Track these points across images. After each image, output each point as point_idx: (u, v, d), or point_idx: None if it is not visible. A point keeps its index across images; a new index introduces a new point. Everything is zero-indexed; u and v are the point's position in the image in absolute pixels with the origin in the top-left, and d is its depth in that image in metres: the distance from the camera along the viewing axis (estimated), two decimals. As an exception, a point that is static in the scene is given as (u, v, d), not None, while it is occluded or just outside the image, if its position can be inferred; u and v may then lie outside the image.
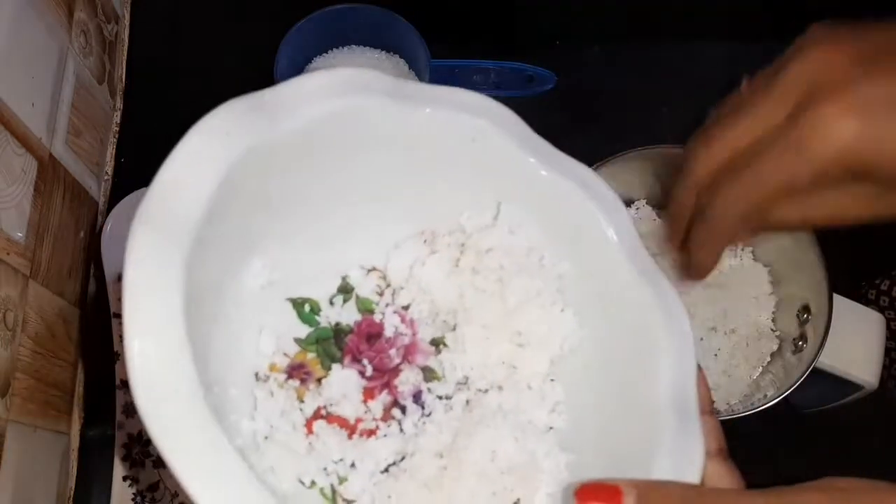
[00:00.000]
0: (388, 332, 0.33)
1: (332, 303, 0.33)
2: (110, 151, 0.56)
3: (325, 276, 0.33)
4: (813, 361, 0.42)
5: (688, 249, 0.34)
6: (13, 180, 0.42)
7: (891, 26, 0.28)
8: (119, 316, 0.49)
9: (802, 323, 0.45)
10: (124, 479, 0.46)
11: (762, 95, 0.29)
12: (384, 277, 0.34)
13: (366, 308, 0.34)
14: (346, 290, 0.34)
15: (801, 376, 0.42)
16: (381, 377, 0.32)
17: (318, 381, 0.32)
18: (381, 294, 0.34)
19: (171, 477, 0.20)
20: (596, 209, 0.31)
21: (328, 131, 0.29)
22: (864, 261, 0.52)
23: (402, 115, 0.30)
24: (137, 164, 0.56)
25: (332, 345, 0.32)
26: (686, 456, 0.27)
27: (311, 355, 0.32)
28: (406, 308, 0.34)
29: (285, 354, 0.32)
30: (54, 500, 0.45)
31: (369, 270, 0.34)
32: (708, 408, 0.30)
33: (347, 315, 0.33)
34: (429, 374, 0.33)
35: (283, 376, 0.31)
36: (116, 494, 0.45)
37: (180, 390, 0.22)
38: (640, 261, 0.31)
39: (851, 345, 0.43)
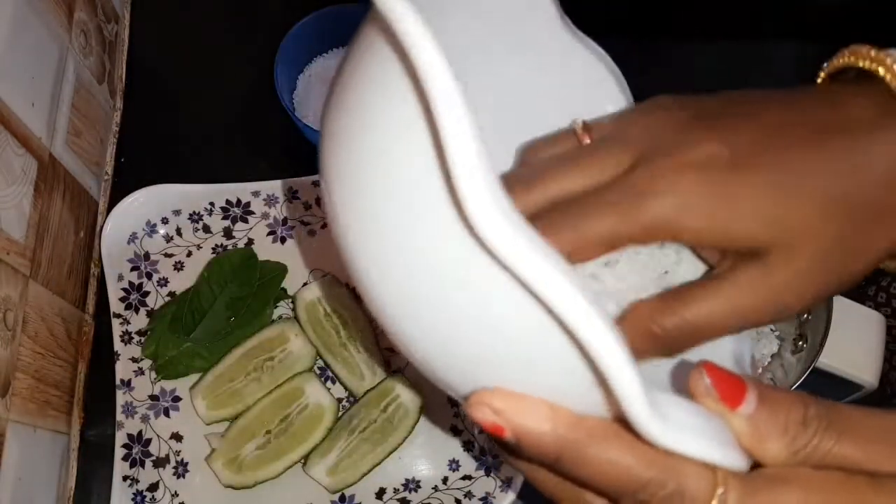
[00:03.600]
0: None
1: None
2: (110, 151, 0.56)
3: None
4: (813, 361, 0.42)
5: None
6: (13, 180, 0.42)
7: (729, 93, 0.27)
8: (119, 316, 0.49)
9: (802, 323, 0.45)
10: (124, 479, 0.46)
11: (601, 144, 0.27)
12: None
13: None
14: None
15: (801, 376, 0.42)
16: None
17: None
18: None
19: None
20: None
21: None
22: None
23: None
24: (137, 164, 0.56)
25: None
26: None
27: None
28: None
29: None
30: (54, 500, 0.45)
31: None
32: None
33: None
34: None
35: None
36: (116, 494, 0.45)
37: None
38: None
39: (851, 345, 0.43)
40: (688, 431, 0.20)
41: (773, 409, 0.23)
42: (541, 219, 0.27)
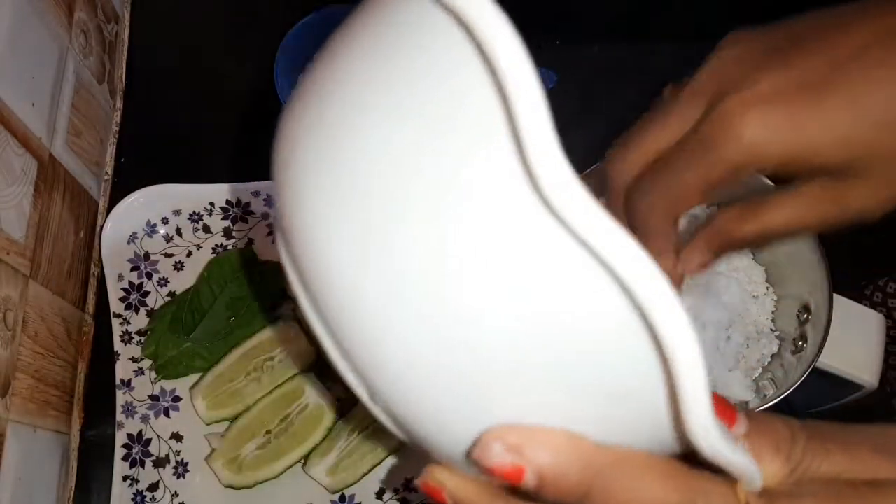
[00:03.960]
0: None
1: None
2: (110, 151, 0.56)
3: None
4: (813, 361, 0.42)
5: None
6: (13, 180, 0.42)
7: (797, 19, 0.28)
8: (119, 316, 0.49)
9: (802, 323, 0.45)
10: (124, 479, 0.46)
11: (676, 99, 0.29)
12: None
13: None
14: None
15: (801, 376, 0.42)
16: None
17: None
18: None
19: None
20: None
21: None
22: (864, 260, 0.52)
23: None
24: (137, 164, 0.56)
25: None
26: None
27: None
28: None
29: None
30: (54, 501, 0.45)
31: None
32: None
33: None
34: None
35: None
36: (116, 494, 0.45)
37: None
38: None
39: (851, 345, 0.43)
40: (729, 441, 0.19)
41: (762, 429, 0.22)
42: (635, 188, 0.29)
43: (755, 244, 0.30)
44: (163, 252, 0.51)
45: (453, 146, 0.17)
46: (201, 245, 0.52)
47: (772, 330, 0.47)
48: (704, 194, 0.28)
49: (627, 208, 0.31)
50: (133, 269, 0.51)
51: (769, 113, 0.25)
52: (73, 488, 0.47)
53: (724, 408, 0.22)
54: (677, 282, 0.32)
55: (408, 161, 0.17)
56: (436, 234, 0.17)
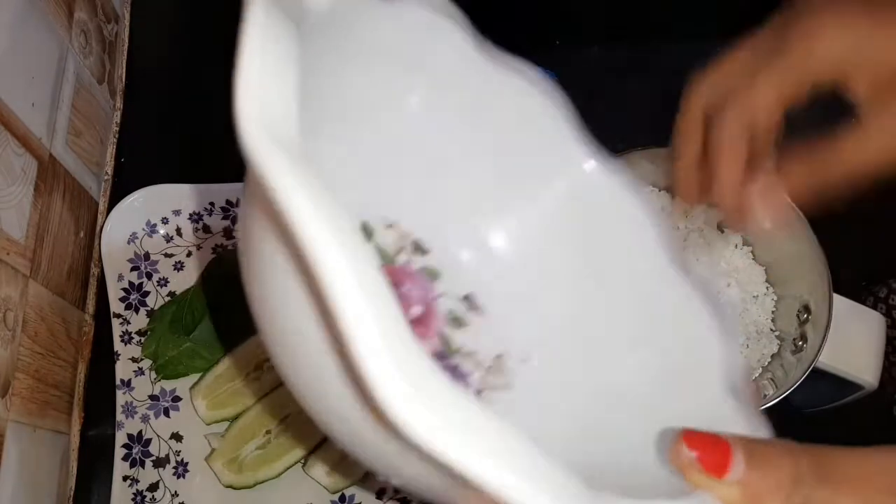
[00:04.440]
0: (405, 289, 0.33)
1: None
2: (110, 151, 0.56)
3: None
4: (813, 361, 0.42)
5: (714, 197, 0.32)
6: (13, 180, 0.42)
7: None
8: (119, 316, 0.49)
9: (802, 323, 0.45)
10: (124, 479, 0.46)
11: (770, 24, 0.30)
12: (405, 237, 0.34)
13: (385, 258, 0.33)
14: (366, 231, 0.33)
15: (801, 376, 0.42)
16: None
17: None
18: (398, 252, 0.34)
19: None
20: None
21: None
22: (864, 261, 0.52)
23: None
24: (137, 164, 0.56)
25: None
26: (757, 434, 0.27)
27: None
28: (433, 278, 0.34)
29: None
30: (54, 500, 0.45)
31: (389, 225, 0.34)
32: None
33: None
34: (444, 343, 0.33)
35: None
36: (116, 494, 0.45)
37: (288, 126, 0.19)
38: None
39: (851, 345, 0.43)
40: None
41: (763, 469, 0.22)
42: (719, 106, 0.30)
43: (828, 191, 0.30)
44: (163, 252, 0.51)
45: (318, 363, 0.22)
46: (201, 245, 0.52)
47: (772, 330, 0.47)
48: (781, 106, 0.29)
49: (707, 130, 0.31)
50: (133, 269, 0.51)
51: (841, 22, 0.27)
52: (73, 488, 0.47)
53: (715, 452, 0.22)
54: (737, 205, 0.31)
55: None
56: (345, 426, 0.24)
